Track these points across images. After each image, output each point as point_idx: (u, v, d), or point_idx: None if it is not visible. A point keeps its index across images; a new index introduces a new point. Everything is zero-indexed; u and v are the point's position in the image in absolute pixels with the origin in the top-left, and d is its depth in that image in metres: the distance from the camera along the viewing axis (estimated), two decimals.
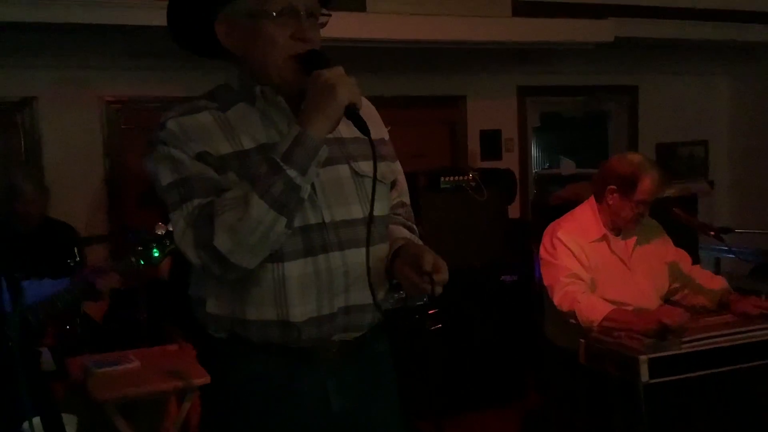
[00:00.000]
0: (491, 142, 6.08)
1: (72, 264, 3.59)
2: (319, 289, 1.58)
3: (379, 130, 1.77)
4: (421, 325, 3.61)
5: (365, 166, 1.65)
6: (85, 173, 4.88)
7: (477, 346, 4.37)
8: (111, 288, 2.42)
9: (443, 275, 1.55)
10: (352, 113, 1.50)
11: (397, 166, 1.83)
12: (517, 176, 5.47)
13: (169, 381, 2.91)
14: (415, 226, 1.85)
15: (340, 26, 4.42)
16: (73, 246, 3.69)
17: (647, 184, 2.96)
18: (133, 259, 2.45)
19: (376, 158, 1.52)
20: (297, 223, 1.54)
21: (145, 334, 3.80)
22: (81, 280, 2.38)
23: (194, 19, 1.64)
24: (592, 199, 3.12)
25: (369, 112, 1.76)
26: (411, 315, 3.56)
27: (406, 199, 1.87)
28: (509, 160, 6.03)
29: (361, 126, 1.51)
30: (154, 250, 2.45)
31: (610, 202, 3.02)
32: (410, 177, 4.43)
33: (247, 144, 1.56)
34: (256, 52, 1.59)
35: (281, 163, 1.45)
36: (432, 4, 4.61)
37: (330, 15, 1.67)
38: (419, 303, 3.50)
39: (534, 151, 10.06)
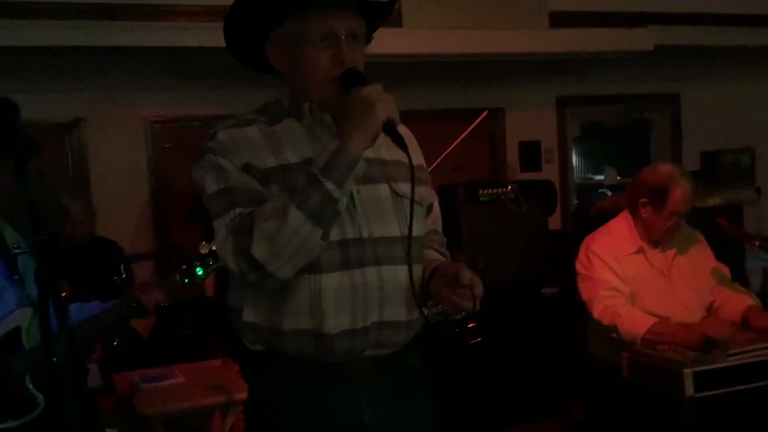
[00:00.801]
0: (531, 154, 6.06)
1: (118, 281, 3.68)
2: (354, 303, 1.61)
3: (417, 156, 1.81)
4: (461, 340, 3.60)
5: (405, 188, 1.69)
6: (131, 192, 5.01)
7: (519, 359, 4.33)
8: (157, 305, 2.47)
9: (479, 290, 1.58)
10: (390, 128, 1.54)
11: (434, 193, 1.87)
12: (558, 187, 5.44)
13: (213, 396, 2.96)
14: (447, 253, 1.88)
15: (377, 42, 4.50)
16: (119, 263, 3.78)
17: (678, 195, 2.90)
18: (177, 277, 2.51)
19: (414, 176, 1.56)
20: (335, 236, 1.58)
21: (189, 349, 3.87)
22: (129, 297, 2.45)
23: (247, 41, 1.72)
24: (627, 211, 3.08)
25: (408, 138, 1.80)
26: (450, 329, 3.56)
27: (439, 228, 1.92)
28: (549, 171, 6.00)
29: (399, 141, 1.55)
30: (198, 268, 2.50)
31: (643, 215, 2.98)
32: (449, 190, 4.53)
33: (292, 158, 1.61)
34: (300, 73, 1.65)
35: (319, 176, 1.49)
36: (468, 18, 4.63)
37: (371, 39, 1.72)
38: (458, 317, 3.51)
39: (575, 161, 9.99)
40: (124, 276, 3.74)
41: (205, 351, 3.88)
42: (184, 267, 2.50)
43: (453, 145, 3.65)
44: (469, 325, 3.64)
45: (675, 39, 5.13)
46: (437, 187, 4.61)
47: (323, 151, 1.53)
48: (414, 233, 1.66)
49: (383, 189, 1.67)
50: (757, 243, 3.15)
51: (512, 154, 6.03)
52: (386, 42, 4.43)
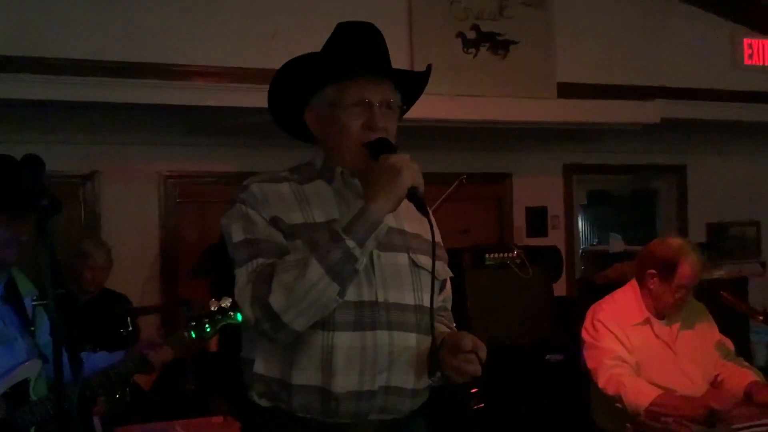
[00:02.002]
0: (537, 219, 6.11)
1: (124, 333, 3.69)
2: (363, 364, 1.64)
3: (437, 234, 1.86)
4: (464, 405, 3.58)
5: (423, 260, 1.75)
6: (141, 245, 5.05)
7: (522, 426, 4.29)
8: (164, 362, 2.50)
9: (482, 353, 1.63)
10: (414, 195, 1.60)
11: (449, 270, 1.91)
12: (564, 253, 5.47)
13: None
14: (454, 329, 1.91)
15: None
16: (126, 316, 3.80)
17: (687, 269, 2.92)
18: (186, 334, 2.54)
19: (434, 233, 1.63)
20: (352, 297, 1.63)
21: (191, 404, 3.84)
22: (136, 353, 2.47)
23: (290, 108, 1.81)
24: (634, 281, 3.10)
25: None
26: (454, 394, 3.54)
27: (449, 305, 1.96)
28: (555, 237, 6.03)
29: (422, 207, 1.62)
30: (207, 326, 2.53)
31: (651, 287, 3.00)
32: (455, 254, 4.55)
33: (319, 218, 1.68)
34: (334, 137, 1.74)
35: (342, 234, 1.55)
36: (478, 86, 4.74)
37: (405, 108, 1.80)
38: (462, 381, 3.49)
39: (582, 227, 10.02)
40: (130, 329, 3.76)
41: (206, 407, 3.85)
42: (194, 323, 2.53)
43: (432, 208, 3.68)
44: (473, 390, 3.62)
45: (681, 113, 5.23)
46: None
47: (349, 211, 1.60)
48: (426, 303, 1.72)
49: (402, 258, 1.72)
50: (761, 317, 3.16)
51: (519, 220, 6.08)
52: None
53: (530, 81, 4.89)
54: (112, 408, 3.56)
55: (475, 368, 1.62)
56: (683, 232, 6.46)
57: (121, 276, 4.71)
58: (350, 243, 1.54)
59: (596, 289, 4.10)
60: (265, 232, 1.65)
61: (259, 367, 1.69)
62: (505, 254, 4.55)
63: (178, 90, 4.31)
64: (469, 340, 1.63)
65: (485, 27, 4.78)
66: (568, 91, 4.94)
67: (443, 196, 3.98)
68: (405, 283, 1.72)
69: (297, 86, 1.76)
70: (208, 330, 2.51)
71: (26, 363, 2.22)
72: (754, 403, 2.85)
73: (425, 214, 1.62)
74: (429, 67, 1.82)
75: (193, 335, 2.53)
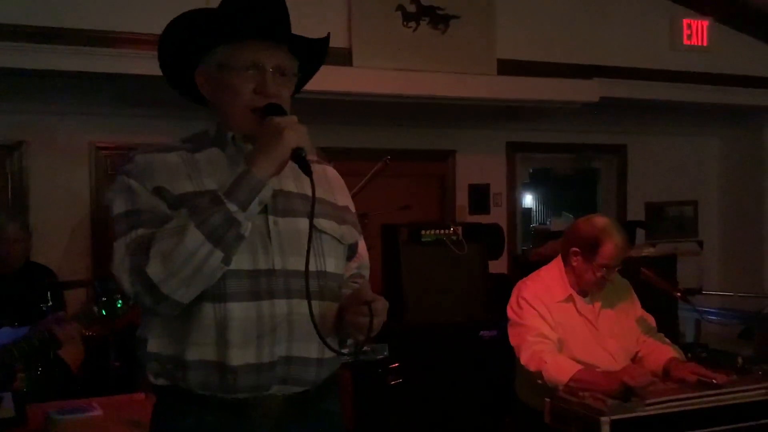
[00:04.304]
0: (480, 197, 6.12)
1: (44, 308, 3.58)
2: (260, 335, 1.58)
3: (344, 198, 1.84)
4: (381, 380, 3.57)
5: (325, 223, 1.70)
6: (72, 218, 4.92)
7: (451, 402, 4.32)
8: (71, 337, 2.42)
9: (378, 305, 1.57)
10: (298, 156, 1.55)
11: (360, 238, 1.87)
12: (505, 231, 5.49)
13: (130, 430, 2.87)
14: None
15: (328, 79, 4.53)
16: (47, 290, 3.68)
17: (610, 249, 2.94)
18: (95, 309, 2.47)
19: (314, 206, 1.56)
20: (247, 265, 1.57)
21: (115, 382, 3.77)
22: (41, 328, 2.39)
23: (179, 69, 1.73)
24: (559, 258, 3.11)
25: (338, 182, 1.86)
26: (371, 369, 3.53)
27: (365, 273, 1.90)
28: (498, 215, 6.06)
29: (305, 168, 1.56)
30: (119, 301, 2.46)
31: (574, 264, 3.02)
32: (392, 230, 4.53)
33: (210, 185, 1.60)
34: (223, 102, 1.67)
35: (223, 197, 1.49)
36: (417, 61, 4.69)
37: (297, 76, 1.73)
38: (380, 357, 3.48)
39: (534, 207, 10.12)
40: (50, 303, 3.64)
41: (131, 384, 3.78)
42: (104, 299, 2.46)
43: (357, 188, 3.65)
44: (392, 366, 3.61)
45: (620, 92, 5.25)
46: (380, 227, 4.64)
47: (231, 175, 1.54)
48: (330, 269, 1.69)
49: (302, 223, 1.64)
50: (678, 294, 3.20)
51: (462, 197, 6.08)
52: (337, 80, 4.54)
53: (470, 57, 4.85)
54: (32, 385, 3.46)
55: (364, 320, 1.56)
56: (622, 210, 6.55)
57: (50, 249, 4.59)
58: (231, 207, 1.48)
59: (530, 266, 4.11)
60: (147, 203, 1.57)
61: (153, 345, 1.62)
62: (441, 231, 4.55)
63: (108, 57, 4.17)
64: (365, 292, 1.59)
65: (426, 1, 4.72)
66: (508, 67, 4.92)
67: (368, 176, 3.93)
68: (304, 249, 1.62)
69: (186, 44, 1.68)
70: (120, 306, 2.44)
71: None
72: (671, 379, 2.89)
73: (308, 174, 1.56)
74: (328, 35, 1.77)
75: (104, 312, 2.45)
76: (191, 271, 1.48)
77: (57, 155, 4.88)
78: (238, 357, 1.57)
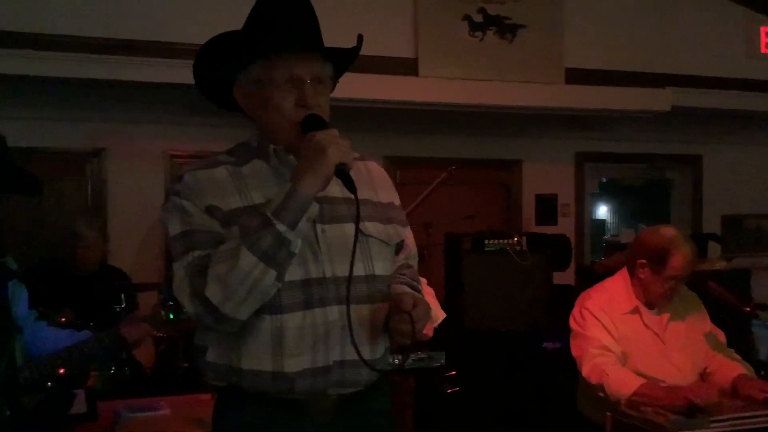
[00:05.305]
0: (547, 207, 6.06)
1: (118, 310, 3.73)
2: (315, 342, 1.62)
3: (389, 194, 1.86)
4: (438, 389, 3.56)
5: (371, 227, 1.72)
6: (145, 223, 5.09)
7: (511, 413, 4.27)
8: (140, 339, 2.51)
9: (417, 313, 1.58)
10: (342, 172, 1.57)
11: (407, 231, 1.89)
12: (573, 242, 5.41)
13: (194, 429, 2.95)
14: (420, 287, 1.88)
15: (394, 89, 4.60)
16: (120, 293, 3.83)
17: (679, 260, 2.86)
18: (162, 312, 2.55)
19: (359, 215, 1.57)
20: (298, 276, 1.61)
21: (182, 381, 3.88)
22: (112, 330, 2.49)
23: (217, 83, 1.76)
24: (624, 270, 3.05)
25: (381, 177, 1.87)
26: (428, 378, 3.53)
27: (413, 263, 1.92)
28: (565, 226, 5.98)
29: (349, 185, 1.58)
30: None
31: (641, 276, 2.95)
32: (455, 238, 4.52)
33: (257, 199, 1.63)
34: (266, 116, 1.69)
35: (271, 218, 1.52)
36: (483, 70, 4.69)
37: (334, 80, 1.75)
38: (436, 364, 3.48)
39: (609, 218, 9.91)
40: (123, 305, 3.79)
41: (197, 384, 3.88)
42: (171, 303, 2.54)
43: (421, 198, 3.65)
44: (449, 374, 3.60)
45: (693, 101, 5.12)
46: (443, 235, 4.64)
47: (278, 193, 1.56)
48: (378, 272, 1.72)
49: (349, 228, 1.67)
50: (748, 309, 3.09)
51: (529, 207, 6.03)
52: (403, 90, 4.58)
53: (538, 66, 4.82)
54: (104, 383, 3.60)
55: (405, 329, 1.58)
56: (697, 222, 6.36)
57: (126, 253, 4.77)
58: (280, 227, 1.52)
59: (596, 278, 4.05)
60: (200, 223, 1.61)
61: (210, 354, 1.68)
62: (505, 240, 4.52)
63: (181, 69, 4.29)
64: (407, 300, 1.60)
65: (492, 10, 4.72)
66: (576, 76, 4.86)
67: (432, 185, 3.94)
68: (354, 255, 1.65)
69: (222, 64, 1.71)
70: (185, 310, 2.51)
71: None
72: (739, 396, 2.79)
73: (353, 191, 1.57)
74: (360, 38, 1.75)
75: (171, 316, 2.53)
76: (247, 291, 1.52)
77: (133, 162, 5.07)
78: (294, 364, 1.62)
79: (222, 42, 1.73)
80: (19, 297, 2.34)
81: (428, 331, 2.79)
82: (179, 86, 4.46)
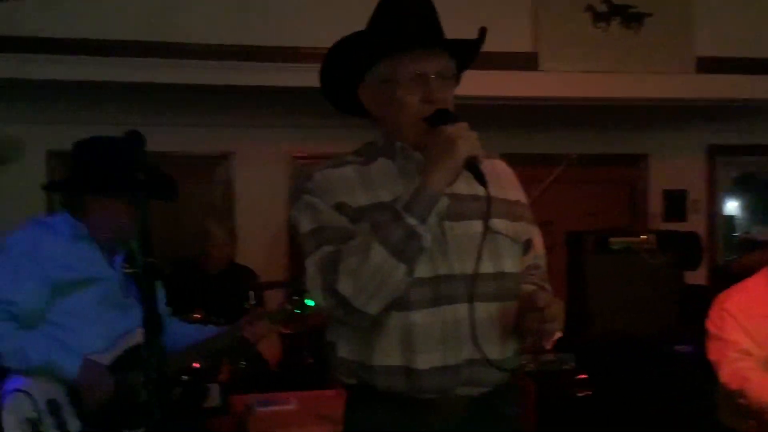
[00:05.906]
0: (676, 203, 5.80)
1: (246, 307, 3.86)
2: (444, 340, 1.62)
3: (515, 192, 1.83)
4: (567, 392, 3.46)
5: (499, 224, 1.70)
6: (272, 222, 5.26)
7: (644, 419, 4.10)
8: (260, 336, 2.59)
9: (551, 311, 1.56)
10: (472, 166, 1.56)
11: (534, 229, 1.86)
12: (705, 241, 5.16)
13: (320, 425, 3.01)
14: (548, 287, 1.84)
15: (514, 85, 4.52)
16: (248, 290, 3.96)
17: None
18: (288, 308, 2.62)
19: (490, 210, 1.58)
20: (427, 273, 1.61)
21: (308, 378, 3.97)
22: (234, 328, 2.59)
23: (343, 85, 1.79)
24: (766, 270, 2.87)
25: (508, 175, 1.85)
26: (558, 381, 3.43)
27: (542, 262, 1.88)
28: (695, 223, 5.69)
29: (480, 178, 1.57)
30: (308, 300, 2.59)
31: None
32: (577, 237, 4.39)
33: (385, 196, 1.65)
34: (391, 114, 1.71)
35: (402, 212, 1.53)
36: (608, 62, 4.54)
37: (457, 75, 1.74)
38: (565, 367, 3.38)
39: (739, 213, 9.36)
40: (252, 302, 3.92)
41: (323, 380, 3.97)
42: (296, 298, 2.60)
43: (546, 182, 3.54)
44: (580, 377, 3.49)
45: None
46: (563, 234, 4.52)
47: (407, 189, 1.57)
48: (508, 270, 1.70)
49: (477, 225, 1.66)
50: None
51: (655, 204, 5.79)
52: (523, 85, 4.50)
53: (666, 56, 4.61)
54: (235, 377, 3.75)
55: (539, 327, 1.57)
56: None
57: (253, 252, 4.94)
58: (411, 221, 1.52)
59: (733, 278, 3.83)
60: (330, 219, 1.63)
61: (341, 350, 1.71)
62: (633, 238, 4.35)
63: (303, 72, 4.40)
64: (540, 298, 1.57)
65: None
66: (708, 65, 4.61)
67: (554, 174, 3.84)
68: (481, 252, 1.64)
69: (348, 66, 1.73)
70: (310, 303, 2.57)
71: (140, 329, 2.36)
72: None
73: (483, 184, 1.56)
74: (483, 30, 1.73)
75: (297, 310, 2.60)
76: (378, 285, 1.54)
77: (260, 164, 5.25)
78: (425, 361, 1.62)
79: (348, 43, 1.75)
80: (159, 295, 2.46)
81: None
82: (303, 90, 4.58)
